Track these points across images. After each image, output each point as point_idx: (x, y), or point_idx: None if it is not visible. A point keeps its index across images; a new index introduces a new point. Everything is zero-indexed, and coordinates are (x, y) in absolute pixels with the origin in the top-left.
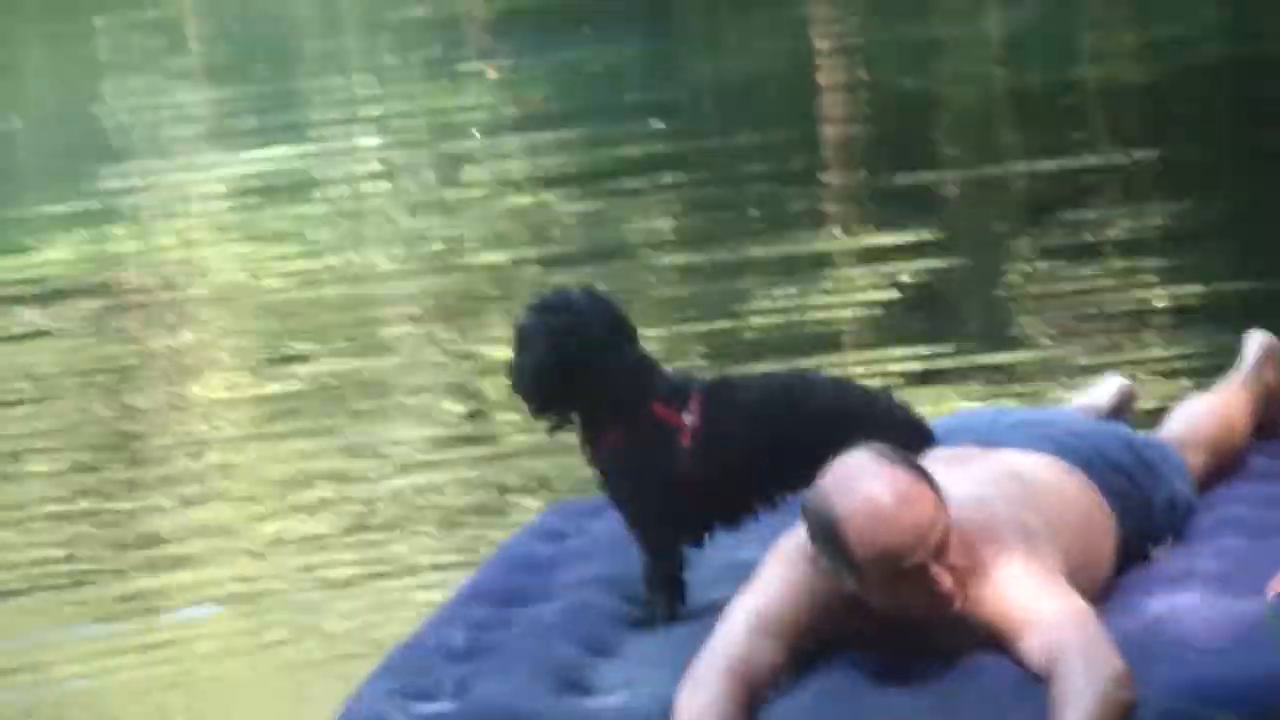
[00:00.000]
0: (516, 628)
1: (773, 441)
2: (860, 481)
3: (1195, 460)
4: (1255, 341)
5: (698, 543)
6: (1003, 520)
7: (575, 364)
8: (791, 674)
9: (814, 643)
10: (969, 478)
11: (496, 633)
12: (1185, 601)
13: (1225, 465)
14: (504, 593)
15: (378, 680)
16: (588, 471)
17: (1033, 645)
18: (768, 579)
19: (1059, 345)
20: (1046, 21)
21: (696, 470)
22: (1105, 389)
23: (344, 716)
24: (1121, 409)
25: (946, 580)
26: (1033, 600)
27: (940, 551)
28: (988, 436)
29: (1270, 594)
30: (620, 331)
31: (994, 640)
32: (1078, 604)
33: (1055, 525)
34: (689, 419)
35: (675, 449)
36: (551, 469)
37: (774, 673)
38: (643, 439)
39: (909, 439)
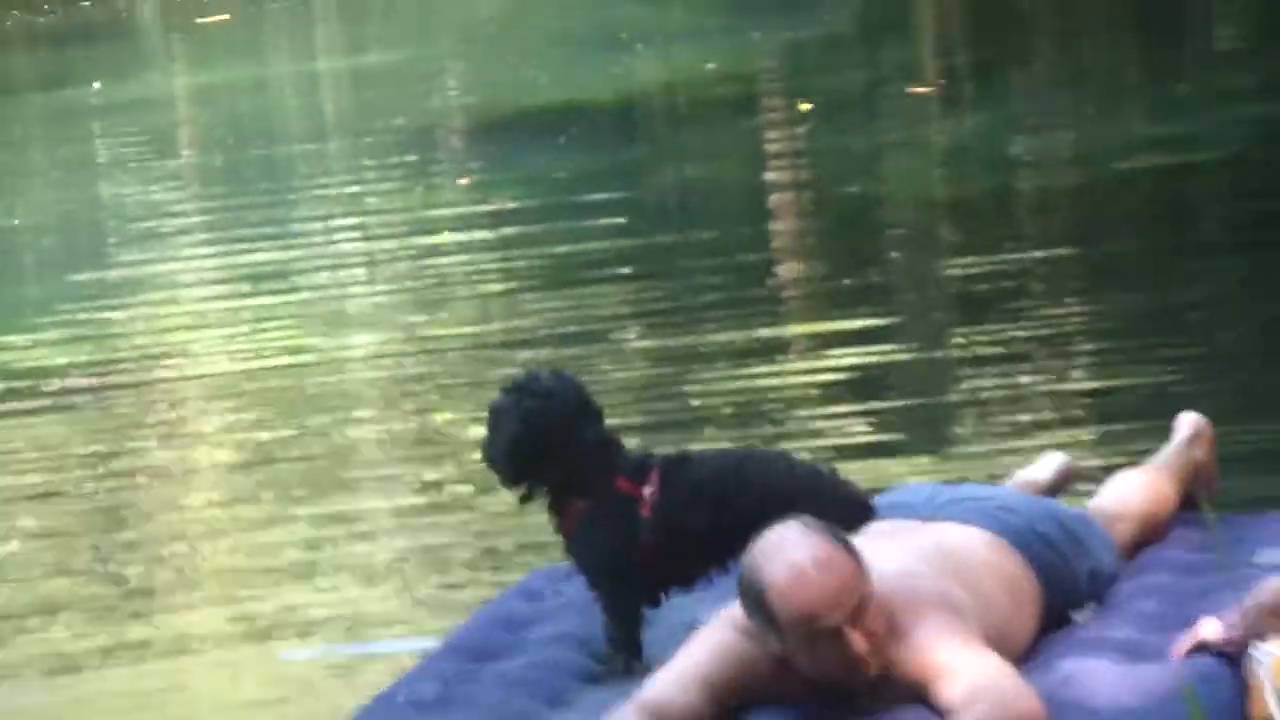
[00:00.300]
0: (484, 681)
1: (724, 513)
2: (785, 549)
3: (1123, 530)
4: (1186, 421)
5: (654, 604)
6: (927, 590)
7: (545, 441)
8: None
9: (739, 701)
10: (902, 550)
11: (465, 686)
12: (1096, 663)
13: (1152, 535)
14: (478, 648)
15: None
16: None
17: (953, 694)
18: (701, 639)
19: (993, 425)
20: (984, 131)
21: (655, 538)
22: (1047, 465)
23: None
24: (1061, 483)
25: (861, 645)
26: (952, 657)
27: (857, 616)
28: (926, 511)
29: (1175, 657)
30: (586, 411)
31: (916, 695)
32: (996, 659)
33: (980, 595)
34: (648, 491)
35: (635, 519)
36: (519, 535)
37: None
38: (606, 510)
39: (852, 513)
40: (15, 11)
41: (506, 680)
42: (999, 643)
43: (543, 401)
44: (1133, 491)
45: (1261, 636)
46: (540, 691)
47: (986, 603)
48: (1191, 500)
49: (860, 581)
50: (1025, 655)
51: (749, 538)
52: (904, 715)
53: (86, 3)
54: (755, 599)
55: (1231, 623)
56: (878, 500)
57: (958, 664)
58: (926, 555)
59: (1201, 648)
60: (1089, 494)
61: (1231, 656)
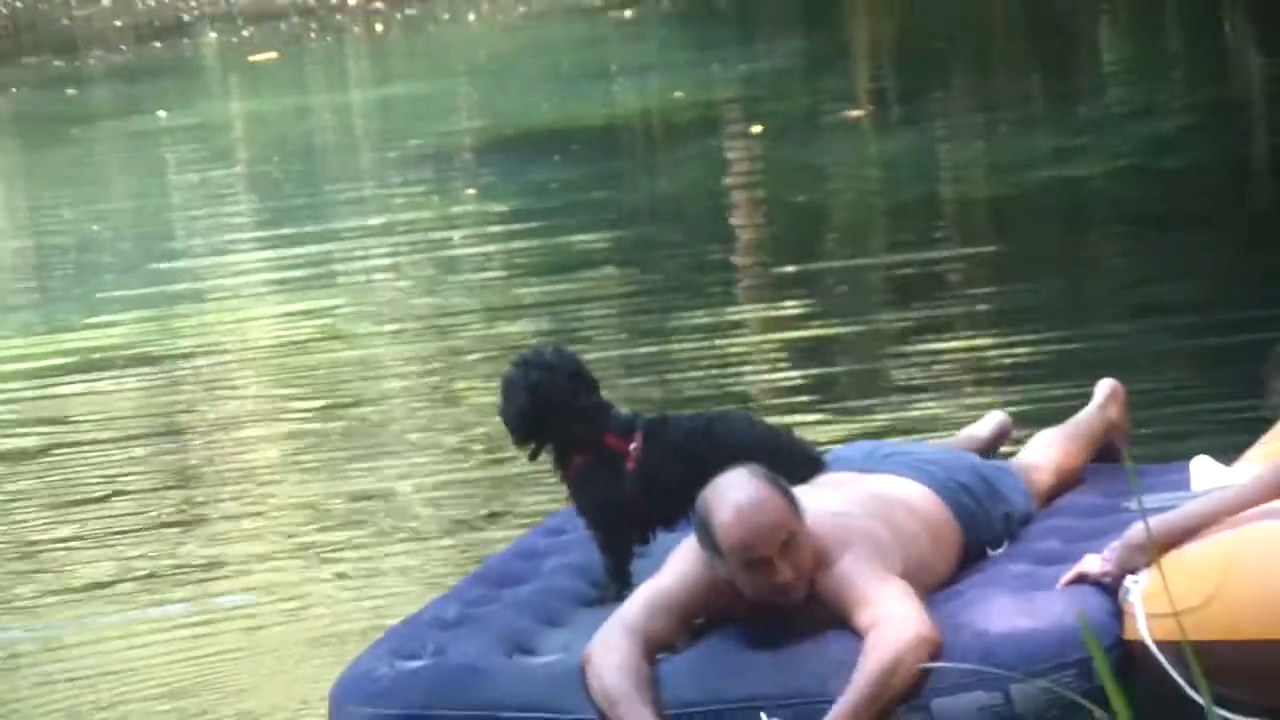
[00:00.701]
0: (499, 604)
1: (697, 466)
2: (730, 492)
3: (1039, 479)
4: (1103, 384)
5: (644, 542)
6: (854, 530)
7: (547, 407)
8: (681, 639)
9: (700, 617)
10: (839, 496)
11: (483, 608)
12: (997, 591)
13: (1067, 482)
14: (501, 576)
15: (380, 644)
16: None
17: (865, 618)
18: (667, 568)
19: (921, 391)
20: (910, 147)
21: (638, 487)
22: (987, 423)
23: (347, 670)
24: (999, 439)
25: (787, 573)
26: (868, 586)
27: (786, 549)
28: (865, 464)
29: (1059, 586)
30: (581, 380)
31: (838, 617)
32: (903, 588)
33: (902, 535)
34: (633, 448)
35: (622, 471)
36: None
37: (667, 638)
38: (597, 464)
39: (804, 466)
40: (98, 51)
41: (517, 603)
42: (917, 574)
43: (546, 373)
44: (1049, 446)
45: (1133, 570)
46: (542, 613)
47: (907, 541)
48: (1114, 452)
49: (790, 520)
50: (943, 584)
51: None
52: (828, 634)
53: (158, 44)
54: (705, 531)
55: (1108, 558)
56: (827, 455)
57: (871, 593)
58: (859, 501)
59: (1082, 579)
60: (1018, 448)
61: (1108, 587)
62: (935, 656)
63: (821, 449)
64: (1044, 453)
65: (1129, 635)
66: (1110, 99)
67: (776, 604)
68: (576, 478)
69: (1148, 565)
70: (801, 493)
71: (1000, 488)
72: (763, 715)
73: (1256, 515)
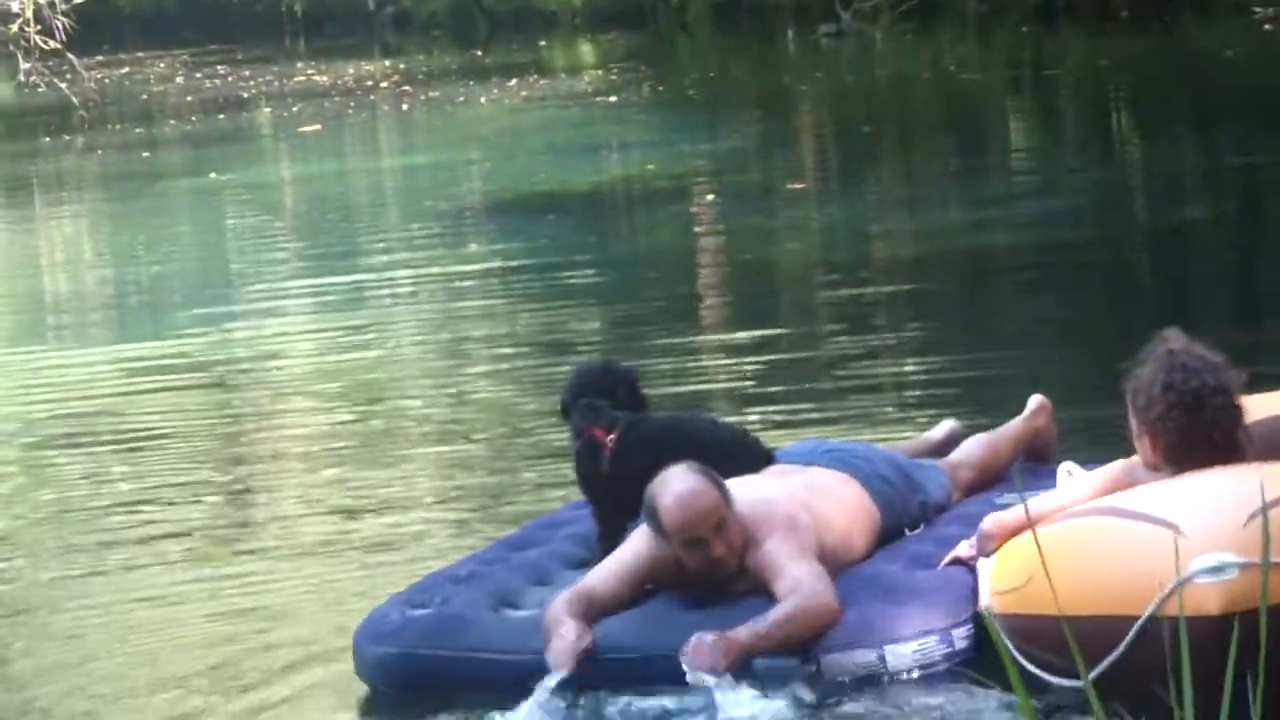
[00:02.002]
0: (507, 565)
1: (664, 458)
2: (672, 484)
3: (964, 475)
4: (1033, 399)
5: (634, 517)
6: (780, 515)
7: (564, 402)
8: (628, 602)
9: (650, 584)
10: (776, 487)
11: (492, 567)
12: (895, 567)
13: (991, 479)
14: (520, 541)
15: (401, 593)
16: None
17: (781, 587)
18: (624, 545)
19: (854, 400)
20: (847, 215)
21: (612, 473)
22: (940, 429)
23: (369, 614)
24: (950, 441)
25: (720, 549)
26: (787, 563)
27: (719, 530)
28: (807, 459)
29: (940, 567)
30: (589, 385)
31: (762, 588)
32: (815, 567)
33: (823, 518)
34: (609, 440)
35: (600, 458)
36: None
37: (617, 600)
38: (582, 450)
39: (756, 460)
40: (172, 121)
41: (520, 565)
42: (835, 549)
43: (574, 379)
44: (976, 448)
45: (986, 554)
46: (534, 574)
47: (827, 524)
48: (1044, 455)
49: (721, 507)
50: (862, 558)
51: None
52: (749, 600)
53: (221, 116)
54: (653, 516)
55: (972, 544)
56: (778, 451)
57: (789, 568)
58: (791, 490)
59: (956, 561)
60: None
61: (973, 567)
62: (832, 625)
63: (774, 445)
64: (971, 453)
65: (983, 605)
66: (1018, 178)
67: (713, 574)
68: (573, 460)
69: (995, 551)
70: (746, 482)
71: (919, 480)
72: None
73: (1077, 512)
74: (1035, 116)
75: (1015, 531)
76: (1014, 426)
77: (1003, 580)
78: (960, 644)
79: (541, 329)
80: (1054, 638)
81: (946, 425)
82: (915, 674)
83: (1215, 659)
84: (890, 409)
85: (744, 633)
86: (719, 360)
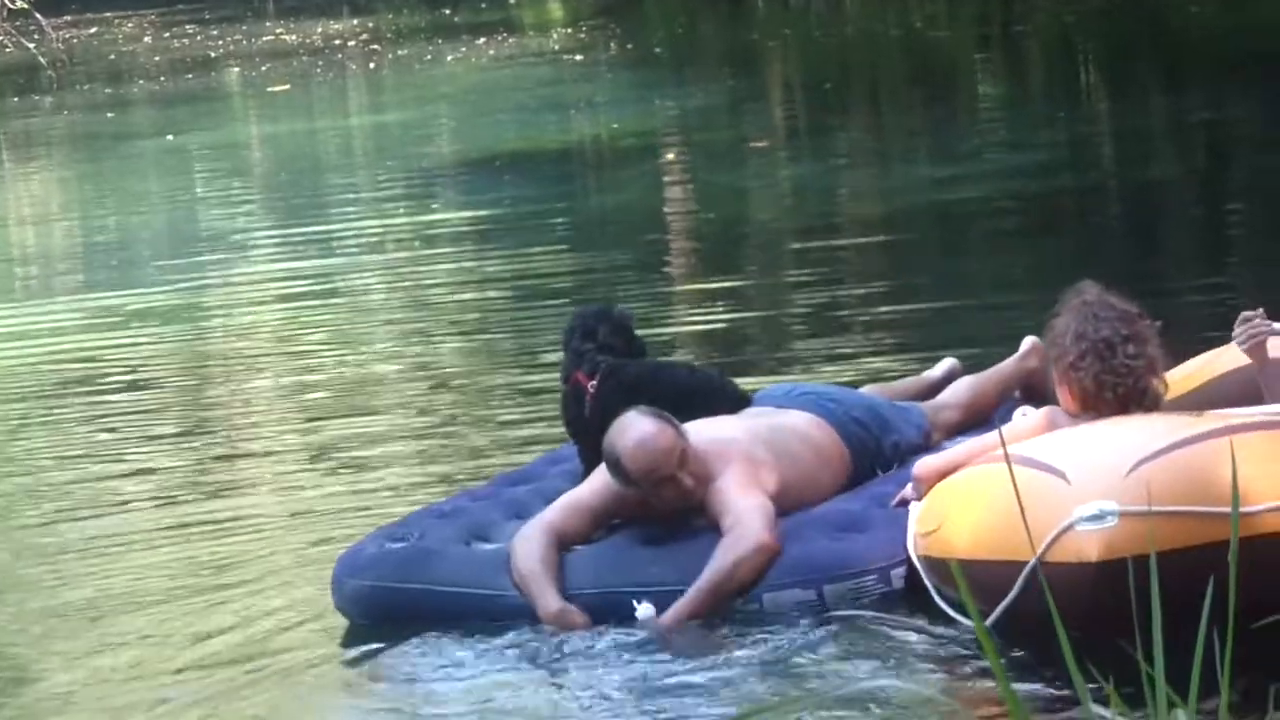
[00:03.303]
0: (493, 500)
1: (644, 402)
2: (628, 430)
3: (949, 415)
4: (1026, 340)
5: None
6: (737, 453)
7: (563, 346)
8: (597, 535)
9: (616, 519)
10: (742, 427)
11: (480, 502)
12: (848, 506)
13: (977, 419)
14: (521, 476)
15: (385, 527)
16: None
17: (725, 524)
18: (588, 480)
19: (819, 345)
20: (820, 169)
21: (594, 416)
22: (940, 366)
23: (351, 546)
24: (948, 379)
25: (688, 481)
26: (734, 500)
27: (682, 464)
28: (781, 402)
29: (890, 505)
30: (583, 332)
31: (713, 521)
32: (759, 502)
33: (787, 456)
34: (592, 385)
35: (583, 403)
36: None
37: (579, 534)
38: (570, 393)
39: (733, 402)
40: (140, 81)
41: (505, 500)
42: (799, 489)
43: (569, 323)
44: (962, 389)
45: (917, 496)
46: (514, 509)
47: (790, 462)
48: (1039, 395)
49: (680, 441)
50: (830, 495)
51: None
52: (700, 537)
53: (189, 75)
54: (614, 465)
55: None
56: (756, 394)
57: (734, 505)
58: (756, 430)
59: (903, 502)
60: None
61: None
62: (772, 561)
63: (753, 388)
64: (958, 394)
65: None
66: (986, 135)
67: (679, 508)
68: (560, 402)
69: (924, 494)
70: (713, 422)
71: (893, 421)
72: (634, 601)
73: (987, 459)
74: (1003, 73)
75: (941, 475)
76: (1004, 368)
77: (923, 523)
78: (898, 583)
79: (510, 284)
80: (966, 580)
81: (946, 364)
82: (855, 609)
83: (1096, 604)
84: (862, 352)
85: (692, 598)
86: (689, 310)
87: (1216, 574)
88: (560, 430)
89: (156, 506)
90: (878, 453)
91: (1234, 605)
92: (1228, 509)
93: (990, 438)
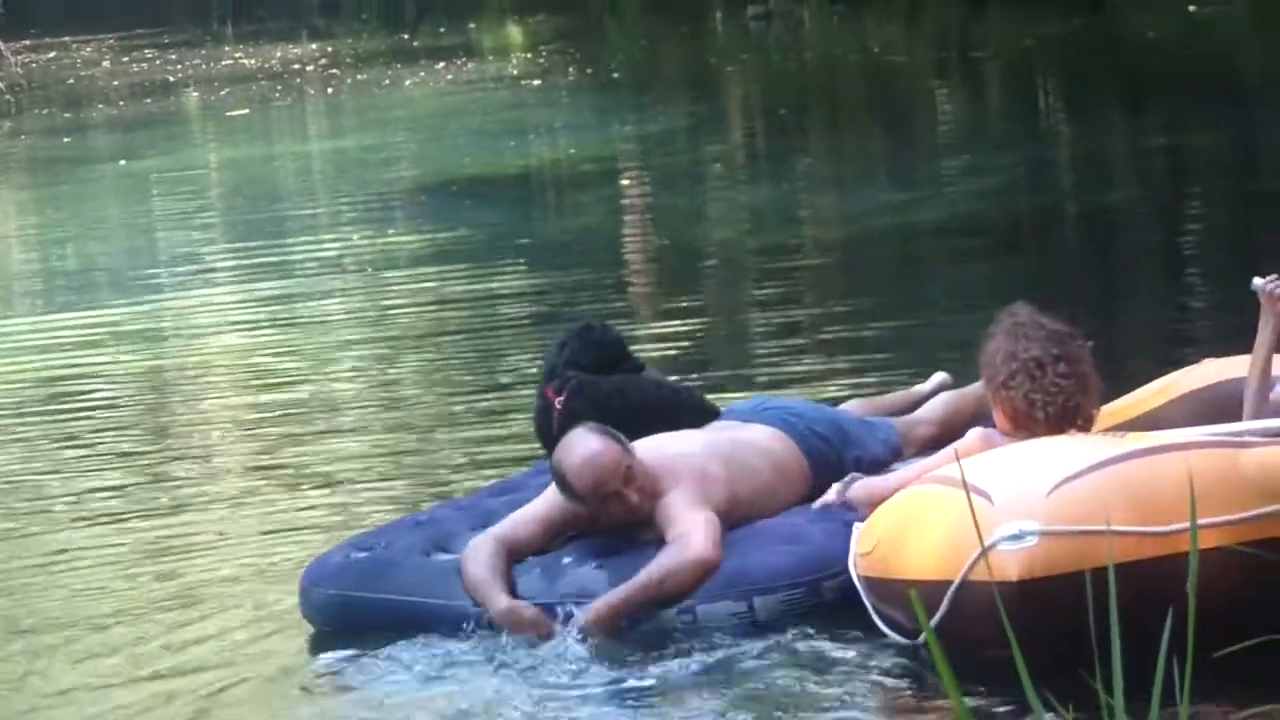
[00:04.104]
0: (470, 509)
1: (612, 419)
2: (574, 447)
3: (923, 431)
4: (936, 375)
5: None
6: (687, 468)
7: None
8: (545, 547)
9: (570, 531)
10: (698, 440)
11: (459, 511)
12: (794, 519)
13: (953, 434)
14: (506, 486)
15: (356, 536)
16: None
17: (670, 536)
18: (543, 494)
19: (779, 364)
20: (778, 194)
21: (560, 432)
22: (931, 381)
23: (319, 554)
24: (938, 393)
25: (633, 497)
26: (680, 514)
27: (629, 478)
28: (747, 415)
29: (814, 508)
30: (564, 346)
31: (660, 535)
32: (708, 517)
33: (740, 470)
34: (559, 401)
35: (550, 417)
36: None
37: (531, 546)
38: (540, 408)
39: (700, 416)
40: (100, 105)
41: (479, 510)
42: (752, 502)
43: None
44: (939, 405)
45: (861, 518)
46: (483, 519)
47: (748, 476)
48: None
49: (625, 456)
50: (787, 507)
51: (629, 435)
52: (646, 551)
53: (148, 100)
54: (560, 481)
55: (837, 491)
56: (725, 409)
57: (680, 519)
58: (712, 443)
59: (826, 507)
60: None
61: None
62: (709, 574)
63: (714, 401)
64: (934, 409)
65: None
66: (944, 159)
67: (626, 522)
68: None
69: (866, 515)
70: (669, 437)
71: (857, 436)
72: (561, 610)
73: (922, 479)
74: (962, 97)
75: (884, 497)
76: (976, 388)
77: (862, 543)
78: (829, 596)
79: (469, 306)
80: (899, 599)
81: (936, 378)
82: (787, 622)
83: (1017, 624)
84: (821, 371)
85: (619, 594)
86: (649, 330)
87: (1137, 593)
88: (524, 447)
89: (119, 524)
90: (839, 467)
91: (1193, 630)
92: (1148, 528)
93: (932, 458)
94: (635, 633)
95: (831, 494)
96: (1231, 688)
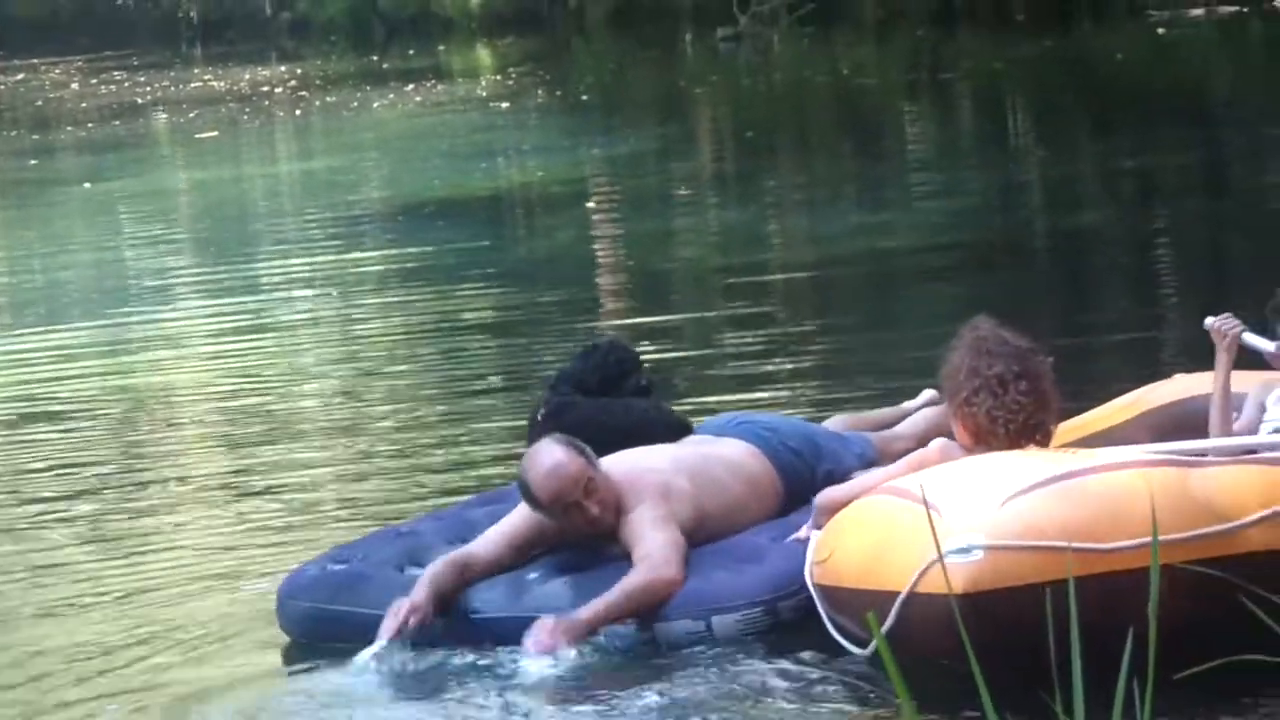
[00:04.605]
0: (453, 521)
1: (591, 438)
2: (539, 459)
3: (901, 446)
4: (925, 393)
5: None
6: (654, 484)
7: None
8: (514, 562)
9: (537, 548)
10: (667, 455)
11: (439, 522)
12: (757, 538)
13: None
14: (482, 500)
15: (336, 548)
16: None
17: (636, 555)
18: (513, 511)
19: (746, 381)
20: (746, 217)
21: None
22: (921, 398)
23: (295, 569)
24: (926, 406)
25: (594, 509)
26: (644, 531)
27: (589, 491)
28: (720, 430)
29: (789, 540)
30: (564, 373)
31: (625, 551)
32: (671, 536)
33: (709, 485)
34: (539, 417)
35: (536, 436)
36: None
37: (496, 561)
38: (530, 429)
39: (674, 433)
40: (68, 126)
41: (460, 522)
42: (719, 517)
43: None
44: (919, 420)
45: (818, 526)
46: (461, 533)
47: (716, 491)
48: None
49: (587, 470)
50: (757, 521)
51: (603, 453)
52: (622, 566)
53: (117, 122)
54: (526, 493)
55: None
56: (700, 424)
57: (643, 537)
58: (682, 459)
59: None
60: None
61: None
62: (672, 594)
63: (688, 416)
64: (915, 424)
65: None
66: (913, 182)
67: (590, 534)
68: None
69: (823, 524)
70: (639, 452)
71: (830, 450)
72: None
73: (877, 490)
74: (932, 119)
75: (841, 506)
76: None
77: (818, 552)
78: (786, 615)
79: (438, 326)
80: (850, 608)
81: (925, 395)
82: (745, 641)
83: (962, 636)
84: (789, 390)
85: (585, 612)
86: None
87: (1084, 609)
88: (491, 461)
89: (87, 535)
90: (812, 481)
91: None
92: (1096, 545)
93: (889, 468)
94: (594, 650)
95: (803, 531)
96: (1187, 707)
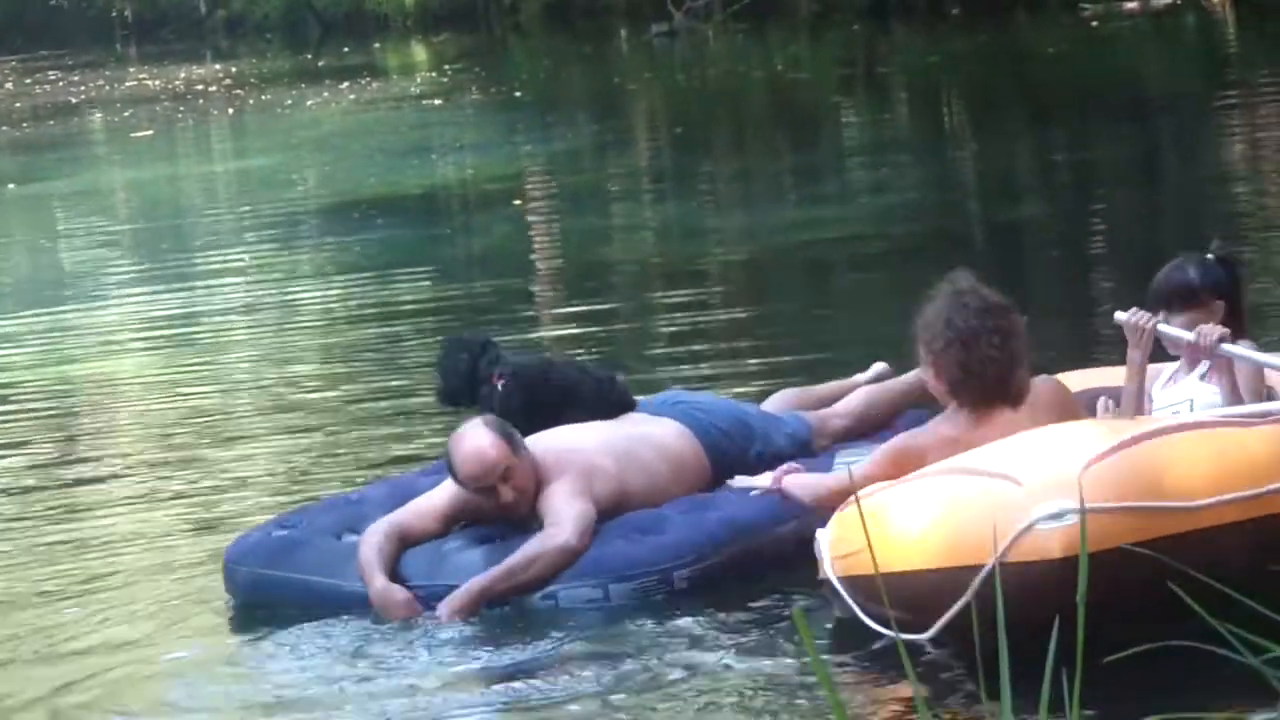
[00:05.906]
0: (402, 486)
1: (537, 397)
2: (464, 438)
3: (838, 423)
4: (876, 365)
5: None
6: (574, 462)
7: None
8: (441, 533)
9: (462, 520)
10: (598, 435)
11: (385, 491)
12: (666, 510)
13: (871, 427)
14: (435, 469)
15: (280, 515)
16: None
17: (547, 523)
18: (442, 484)
19: (681, 367)
20: (682, 212)
21: (504, 411)
22: (871, 370)
23: (243, 533)
24: (878, 379)
25: (509, 495)
26: (559, 506)
27: (505, 478)
28: (657, 409)
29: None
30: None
31: (545, 525)
32: (584, 509)
33: (632, 463)
34: (501, 384)
35: (494, 398)
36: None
37: (425, 532)
38: (488, 392)
39: (616, 406)
40: (4, 127)
41: (414, 488)
42: (643, 494)
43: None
44: (856, 399)
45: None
46: (408, 497)
47: (639, 470)
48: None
49: (507, 457)
50: (685, 496)
51: (556, 415)
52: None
53: (51, 122)
54: (449, 467)
55: (775, 479)
56: (640, 401)
57: (558, 510)
58: (609, 439)
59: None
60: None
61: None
62: (572, 562)
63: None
64: (851, 403)
65: (820, 575)
66: (850, 177)
67: (507, 514)
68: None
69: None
70: (572, 429)
71: (762, 430)
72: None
73: (921, 475)
74: (867, 114)
75: (827, 497)
76: (906, 379)
77: (839, 547)
78: (680, 585)
79: (372, 322)
80: (909, 592)
81: (876, 368)
82: (642, 608)
83: (1059, 600)
84: (725, 374)
85: (484, 579)
86: (556, 334)
87: (1172, 567)
88: (424, 448)
89: (29, 522)
90: (741, 461)
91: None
92: (1181, 503)
93: (869, 459)
94: (499, 616)
95: (766, 479)
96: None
